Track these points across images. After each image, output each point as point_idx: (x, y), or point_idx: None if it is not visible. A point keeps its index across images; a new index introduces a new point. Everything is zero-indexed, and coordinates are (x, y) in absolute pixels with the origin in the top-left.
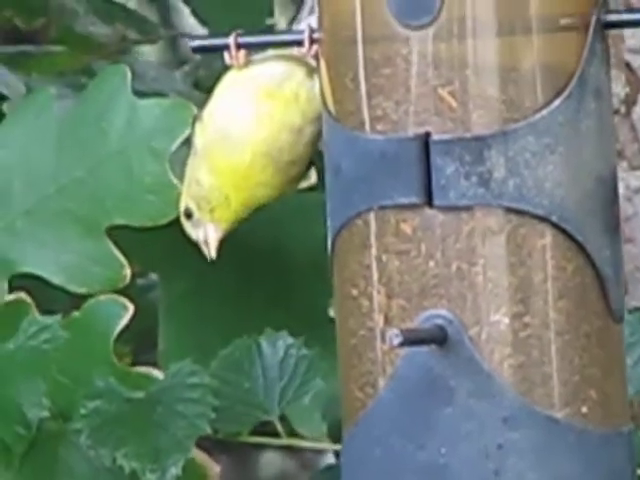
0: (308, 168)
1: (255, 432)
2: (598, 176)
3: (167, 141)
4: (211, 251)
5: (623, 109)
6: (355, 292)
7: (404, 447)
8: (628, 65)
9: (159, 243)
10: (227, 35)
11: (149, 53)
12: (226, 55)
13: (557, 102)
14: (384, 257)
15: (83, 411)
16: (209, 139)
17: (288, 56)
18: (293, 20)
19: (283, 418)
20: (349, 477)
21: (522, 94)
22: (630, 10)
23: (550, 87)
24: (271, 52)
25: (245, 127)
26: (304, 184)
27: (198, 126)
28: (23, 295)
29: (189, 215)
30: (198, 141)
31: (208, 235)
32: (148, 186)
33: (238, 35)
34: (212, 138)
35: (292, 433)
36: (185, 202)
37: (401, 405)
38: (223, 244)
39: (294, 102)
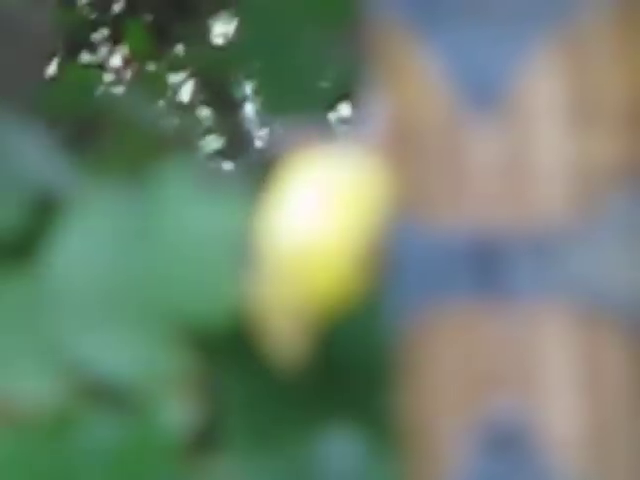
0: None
1: None
2: None
3: (228, 236)
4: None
5: None
6: (419, 385)
7: None
8: None
9: (221, 337)
10: (284, 127)
11: (209, 145)
12: (284, 147)
13: (631, 194)
14: (447, 349)
15: None
16: (285, 255)
17: (352, 149)
18: (353, 115)
19: None
20: None
21: (595, 186)
22: None
23: (625, 179)
24: (332, 145)
25: (322, 235)
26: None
27: (265, 231)
28: (86, 390)
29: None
30: (270, 254)
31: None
32: (208, 283)
33: (300, 126)
34: (289, 254)
35: None
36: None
37: None
38: None
39: (365, 196)
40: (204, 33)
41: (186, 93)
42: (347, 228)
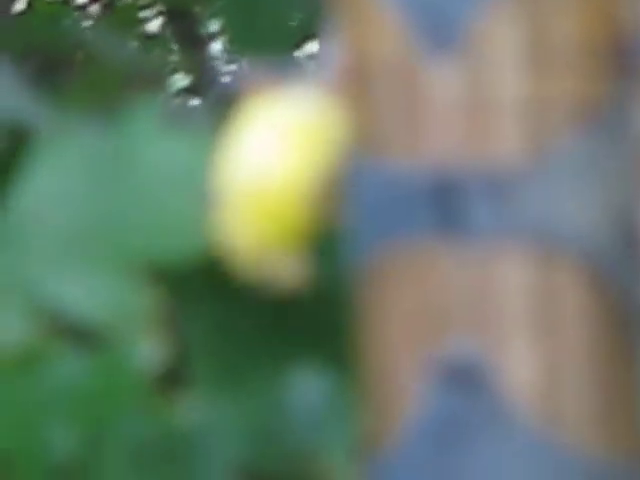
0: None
1: None
2: (622, 209)
3: (196, 174)
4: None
5: None
6: (379, 323)
7: None
8: None
9: (186, 274)
10: (251, 65)
11: (179, 82)
12: (246, 85)
13: (583, 134)
14: (404, 288)
15: (113, 440)
16: (242, 191)
17: (312, 87)
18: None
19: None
20: None
21: (552, 124)
22: None
23: (577, 119)
24: (294, 84)
25: (278, 169)
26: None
27: (223, 164)
28: (52, 327)
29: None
30: (229, 186)
31: (294, 272)
32: (176, 218)
33: (260, 65)
34: (245, 189)
35: None
36: (258, 264)
37: (427, 445)
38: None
39: (322, 132)
40: None
41: (154, 28)
42: (304, 165)
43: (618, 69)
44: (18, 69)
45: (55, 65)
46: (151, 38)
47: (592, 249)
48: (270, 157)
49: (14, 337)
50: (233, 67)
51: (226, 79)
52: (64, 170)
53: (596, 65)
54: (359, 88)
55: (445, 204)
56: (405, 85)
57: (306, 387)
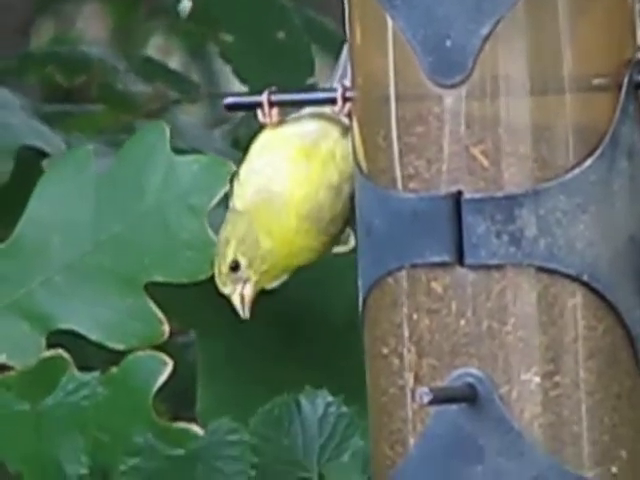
0: (345, 227)
1: None
2: (630, 236)
3: (204, 198)
4: (246, 311)
5: None
6: (386, 350)
7: None
8: None
9: (197, 300)
10: (261, 93)
11: (190, 112)
12: (259, 113)
13: (589, 161)
14: (415, 316)
15: (122, 468)
16: (250, 200)
17: (322, 115)
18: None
19: (322, 476)
20: None
21: (554, 153)
22: None
23: (582, 146)
24: (306, 111)
25: (285, 188)
26: (344, 248)
27: (236, 185)
28: (61, 351)
29: (234, 268)
30: (237, 201)
31: (246, 293)
32: (186, 243)
33: (271, 93)
34: (254, 200)
35: None
36: (234, 256)
37: (430, 464)
38: (260, 302)
39: (330, 161)
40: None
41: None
42: (308, 187)
43: (626, 97)
44: (32, 94)
45: (69, 90)
46: (154, 63)
47: (596, 274)
48: (275, 178)
49: (26, 358)
50: (244, 88)
51: (230, 103)
52: (72, 195)
53: (602, 94)
54: (368, 113)
55: (456, 231)
56: (414, 111)
57: (313, 408)
